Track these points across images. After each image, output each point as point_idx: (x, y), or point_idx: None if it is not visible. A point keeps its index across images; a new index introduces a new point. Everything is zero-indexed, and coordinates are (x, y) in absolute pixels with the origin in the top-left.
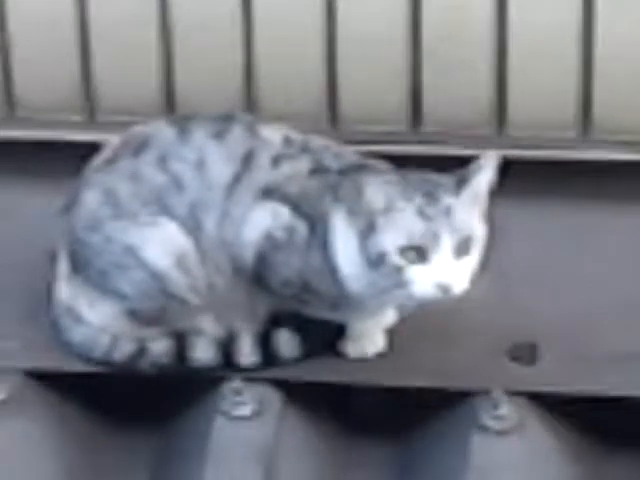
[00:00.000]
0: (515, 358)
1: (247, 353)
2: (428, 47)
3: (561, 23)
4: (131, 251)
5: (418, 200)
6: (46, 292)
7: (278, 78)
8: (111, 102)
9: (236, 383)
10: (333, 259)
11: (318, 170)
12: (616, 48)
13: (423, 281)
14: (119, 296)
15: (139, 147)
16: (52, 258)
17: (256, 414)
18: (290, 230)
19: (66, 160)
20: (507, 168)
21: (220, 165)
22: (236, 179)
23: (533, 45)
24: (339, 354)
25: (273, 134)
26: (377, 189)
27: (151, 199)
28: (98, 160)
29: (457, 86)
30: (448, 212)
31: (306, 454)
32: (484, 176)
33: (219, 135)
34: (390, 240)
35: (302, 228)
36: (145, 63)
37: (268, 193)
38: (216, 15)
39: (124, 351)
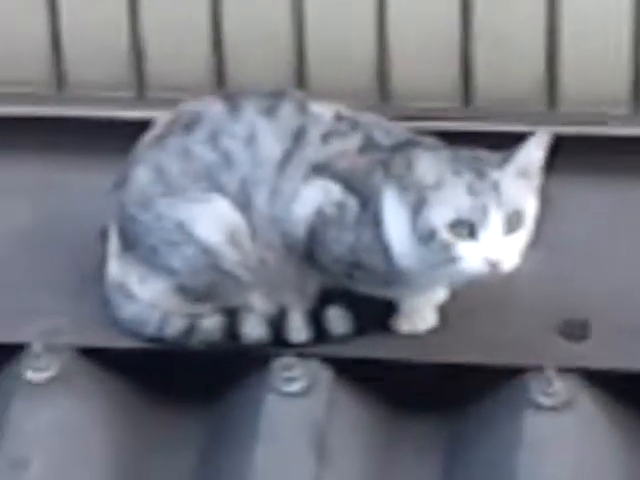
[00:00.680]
0: (567, 334)
1: (298, 329)
2: (479, 22)
3: None
4: (182, 227)
5: (467, 176)
6: (97, 269)
7: (329, 54)
8: (161, 79)
9: (286, 359)
10: (384, 235)
11: (369, 146)
12: None
13: (472, 257)
14: (170, 272)
15: (189, 124)
16: (103, 235)
17: (307, 390)
18: (341, 206)
19: (117, 137)
20: (559, 144)
21: (271, 141)
22: (287, 155)
23: (584, 19)
24: (390, 331)
25: (324, 110)
26: (428, 164)
27: (202, 176)
28: (148, 137)
29: (508, 62)
30: (496, 187)
31: (357, 430)
32: (534, 152)
33: (270, 111)
34: (439, 215)
35: (353, 204)
36: (195, 39)
37: (319, 170)
38: None
39: (175, 328)
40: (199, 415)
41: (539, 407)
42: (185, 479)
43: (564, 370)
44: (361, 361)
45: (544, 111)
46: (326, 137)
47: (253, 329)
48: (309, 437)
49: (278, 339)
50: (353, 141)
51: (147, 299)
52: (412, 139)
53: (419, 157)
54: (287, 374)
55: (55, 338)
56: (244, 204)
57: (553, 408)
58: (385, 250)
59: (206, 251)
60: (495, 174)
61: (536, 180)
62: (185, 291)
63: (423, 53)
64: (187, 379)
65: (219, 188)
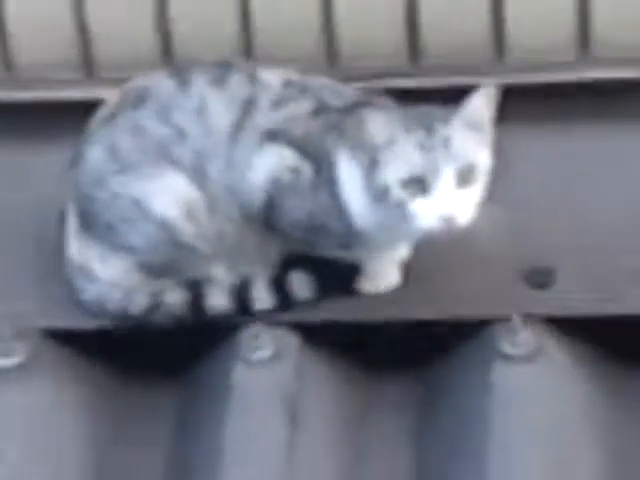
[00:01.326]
0: (532, 283)
1: (262, 298)
2: None
3: None
4: (138, 204)
5: (418, 133)
6: (59, 251)
7: (274, 20)
8: (108, 58)
9: (253, 328)
10: (340, 197)
11: (320, 110)
12: None
13: (426, 214)
14: (129, 250)
15: (139, 100)
16: (62, 217)
17: (275, 357)
18: (296, 171)
19: (67, 119)
20: (507, 95)
21: (221, 112)
22: (238, 125)
23: None
24: (354, 292)
25: (272, 77)
26: (379, 124)
27: (155, 151)
28: (99, 116)
29: (452, 17)
30: (447, 143)
31: (328, 394)
32: (480, 104)
33: (218, 82)
34: (391, 174)
35: (307, 168)
36: (140, 15)
37: (271, 136)
38: None
39: (139, 305)
40: (171, 390)
41: (507, 357)
42: (161, 453)
43: (531, 318)
44: (328, 324)
45: (491, 63)
46: (276, 103)
47: (217, 301)
48: (280, 404)
49: (243, 309)
50: (304, 105)
51: (109, 278)
52: (363, 100)
53: (370, 117)
54: (254, 343)
55: (21, 322)
56: (199, 177)
57: (521, 357)
58: (342, 212)
59: (163, 226)
60: (445, 130)
61: (488, 134)
62: (146, 268)
63: (368, 13)
64: (156, 355)
65: (173, 162)
